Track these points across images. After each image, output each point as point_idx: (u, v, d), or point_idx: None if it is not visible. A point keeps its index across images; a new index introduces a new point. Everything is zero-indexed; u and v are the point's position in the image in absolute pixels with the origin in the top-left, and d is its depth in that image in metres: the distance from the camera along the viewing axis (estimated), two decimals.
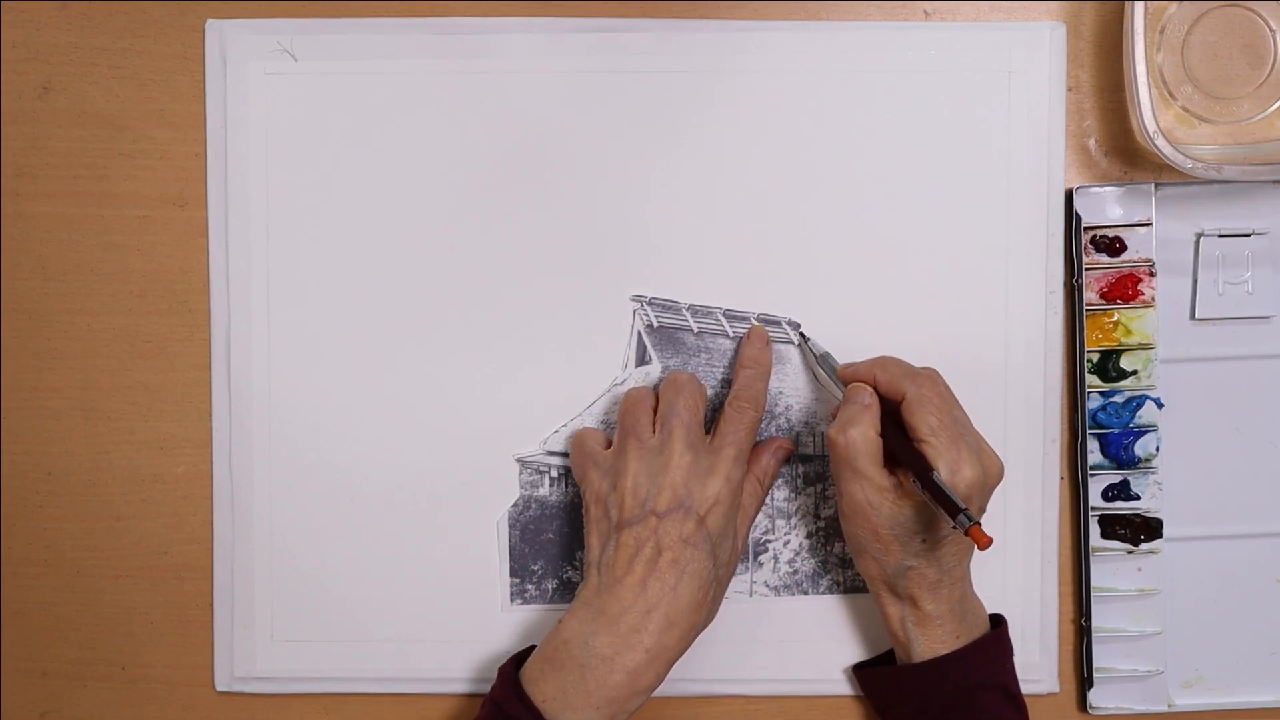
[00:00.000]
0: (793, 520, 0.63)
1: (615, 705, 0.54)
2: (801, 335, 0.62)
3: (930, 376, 0.57)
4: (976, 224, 0.62)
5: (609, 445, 0.59)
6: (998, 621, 0.59)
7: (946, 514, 0.53)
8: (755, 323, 0.62)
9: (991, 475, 0.56)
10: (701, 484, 0.56)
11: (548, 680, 0.55)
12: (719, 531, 0.56)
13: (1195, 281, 0.62)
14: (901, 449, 0.55)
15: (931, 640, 0.57)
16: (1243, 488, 0.63)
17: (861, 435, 0.55)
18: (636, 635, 0.54)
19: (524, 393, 0.62)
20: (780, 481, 0.63)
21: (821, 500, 0.63)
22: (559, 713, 0.54)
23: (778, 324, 0.62)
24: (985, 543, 0.51)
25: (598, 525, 0.57)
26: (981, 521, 0.53)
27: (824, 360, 0.61)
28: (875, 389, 0.57)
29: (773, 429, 0.62)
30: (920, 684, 0.57)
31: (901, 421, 0.56)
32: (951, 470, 0.54)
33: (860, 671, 0.61)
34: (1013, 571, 0.62)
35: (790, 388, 0.62)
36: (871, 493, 0.55)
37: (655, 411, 0.58)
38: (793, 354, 0.62)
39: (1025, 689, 0.62)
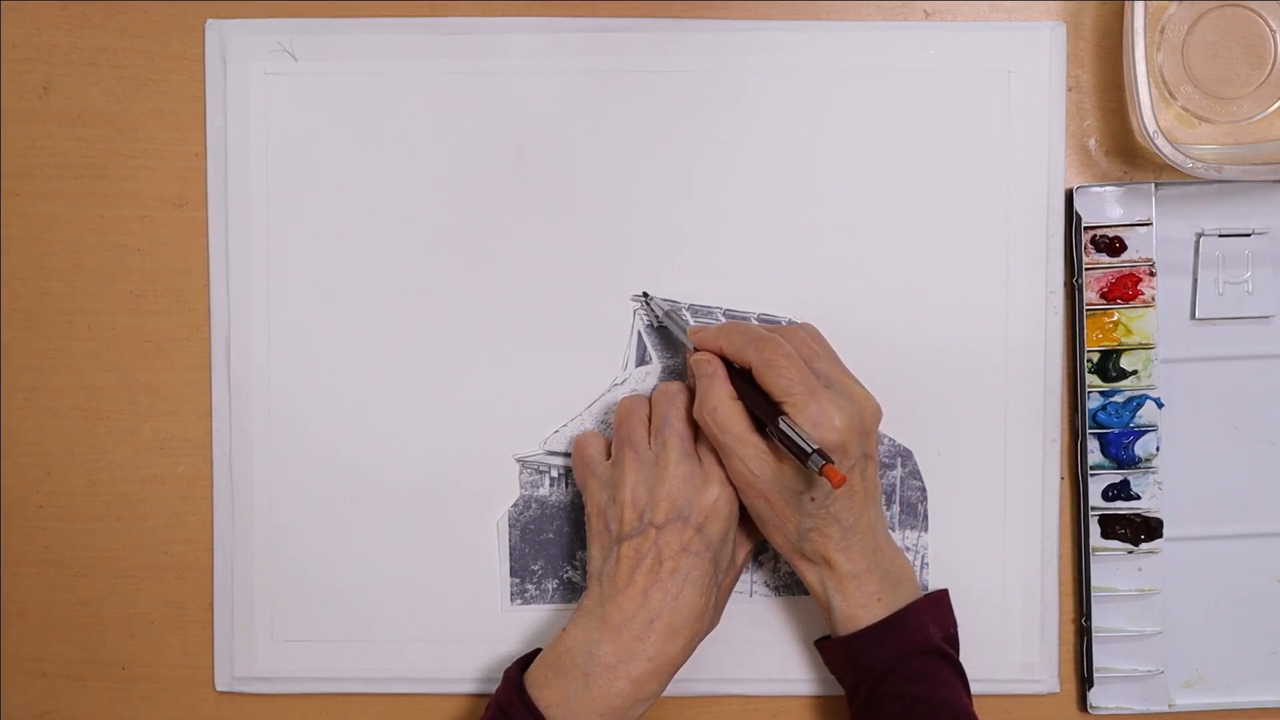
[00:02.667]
0: None
1: (619, 713, 0.54)
2: (645, 295, 0.61)
3: (771, 339, 0.55)
4: (976, 224, 0.62)
5: (609, 452, 0.59)
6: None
7: (799, 460, 0.52)
8: (694, 325, 0.62)
9: (868, 416, 0.55)
10: (699, 493, 0.56)
11: (552, 687, 0.55)
12: (719, 538, 0.56)
13: (1195, 281, 0.62)
14: (754, 407, 0.55)
15: (851, 604, 0.56)
16: (1243, 488, 0.63)
17: (720, 405, 0.55)
18: (640, 644, 0.55)
19: (524, 393, 0.62)
20: None
21: None
22: (563, 719, 0.54)
23: (778, 324, 0.62)
24: (839, 481, 0.50)
25: (599, 537, 0.57)
26: (869, 468, 0.53)
27: (671, 318, 0.60)
28: (724, 358, 0.57)
29: None
30: (853, 654, 0.56)
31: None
32: (815, 422, 0.52)
33: (817, 645, 0.61)
34: (1013, 571, 0.62)
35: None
36: (751, 459, 0.54)
37: (650, 420, 0.58)
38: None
39: (1025, 689, 0.62)
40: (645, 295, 0.62)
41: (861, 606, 0.56)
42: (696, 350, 0.58)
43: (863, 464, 0.55)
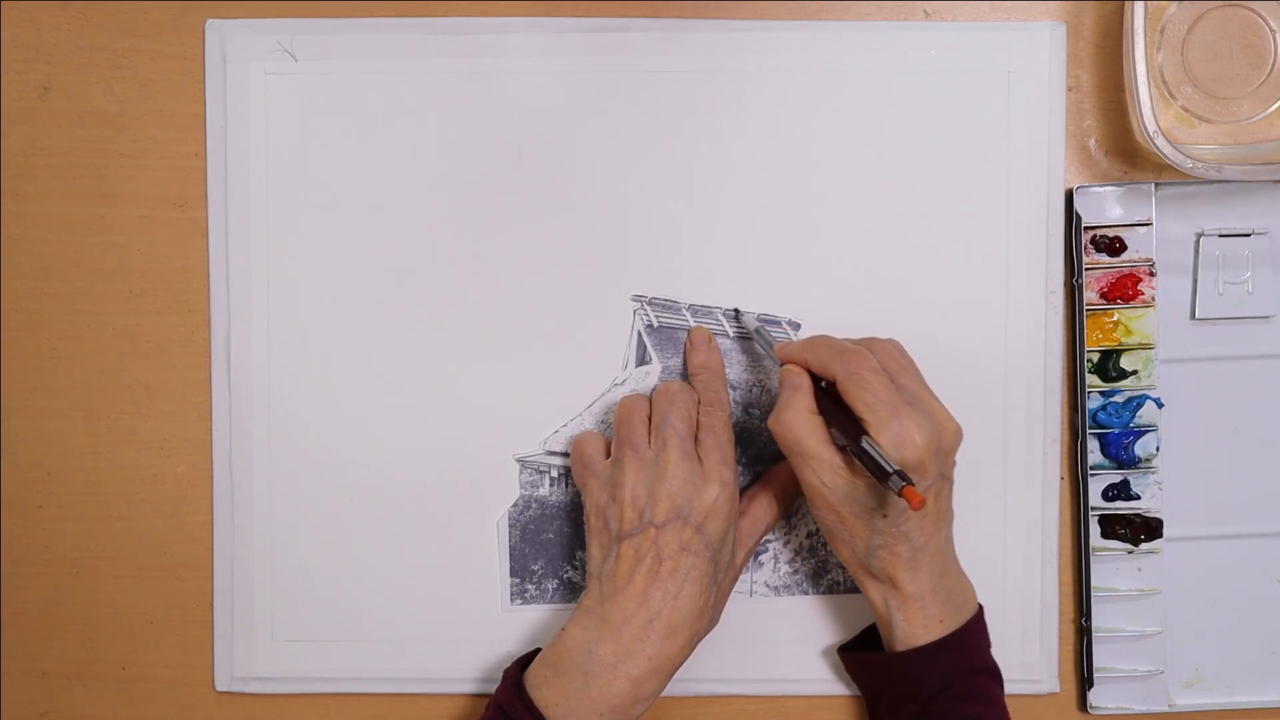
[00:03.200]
0: (793, 520, 0.63)
1: (618, 713, 0.54)
2: (735, 312, 0.62)
3: (859, 353, 0.55)
4: (976, 224, 0.62)
5: (609, 451, 0.59)
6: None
7: (879, 480, 0.52)
8: (695, 325, 0.62)
9: (947, 437, 0.54)
10: (699, 492, 0.56)
11: (551, 686, 0.55)
12: (719, 537, 0.56)
13: (1195, 281, 0.62)
14: (834, 423, 0.55)
15: (913, 625, 0.56)
16: (1243, 488, 0.63)
17: (797, 417, 0.55)
18: (639, 644, 0.55)
19: (524, 393, 0.62)
20: None
21: None
22: (562, 719, 0.54)
23: (778, 324, 0.62)
24: (918, 503, 0.50)
25: (599, 536, 0.57)
26: (943, 489, 0.53)
27: (760, 334, 0.60)
28: (809, 371, 0.57)
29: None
30: (908, 671, 0.56)
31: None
32: (896, 441, 0.52)
33: (846, 655, 0.61)
34: (1013, 571, 0.62)
35: (776, 382, 0.62)
36: (825, 473, 0.55)
37: (650, 419, 0.58)
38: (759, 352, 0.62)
39: (1025, 689, 0.62)
40: (736, 311, 0.62)
41: (923, 628, 0.56)
42: (784, 364, 0.57)
43: (939, 485, 0.55)
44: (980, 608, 0.58)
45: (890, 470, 0.51)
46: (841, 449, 0.55)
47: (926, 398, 0.55)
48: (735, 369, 0.62)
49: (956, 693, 0.56)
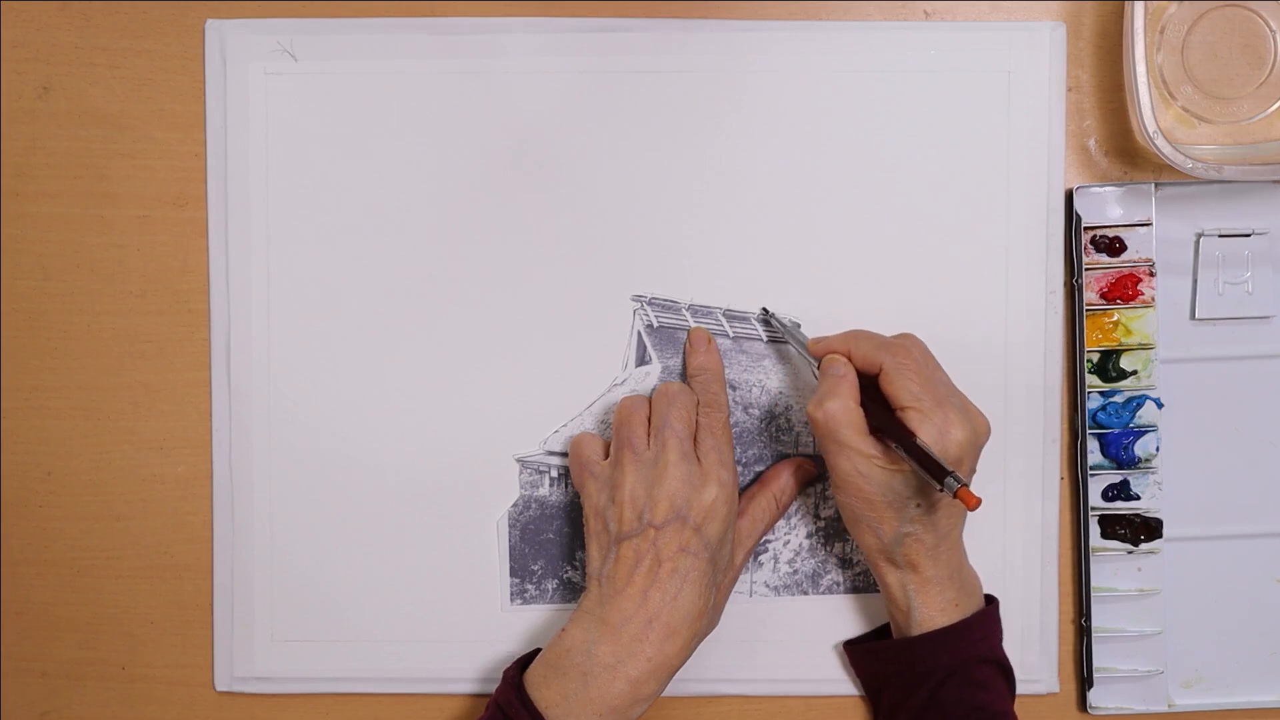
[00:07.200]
0: (793, 520, 0.63)
1: (617, 714, 0.54)
2: (765, 311, 0.62)
3: (903, 345, 0.56)
4: (976, 224, 0.62)
5: (607, 452, 0.59)
6: (989, 600, 0.60)
7: (933, 478, 0.52)
8: (694, 325, 0.62)
9: (981, 434, 0.56)
10: (697, 493, 0.56)
11: (551, 686, 0.55)
12: (717, 538, 0.56)
13: (1195, 281, 0.62)
14: (883, 418, 0.55)
15: (931, 607, 0.57)
16: (1243, 488, 0.63)
17: (841, 406, 0.55)
18: (639, 645, 0.55)
19: (524, 393, 0.62)
20: None
21: (821, 500, 0.63)
22: (562, 719, 0.54)
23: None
24: (974, 503, 0.50)
25: (598, 538, 0.57)
26: (971, 483, 0.53)
27: (793, 332, 0.61)
28: (850, 361, 0.57)
29: (772, 428, 0.62)
30: (918, 657, 0.57)
31: (881, 391, 0.56)
32: (940, 433, 0.53)
33: (853, 647, 0.61)
34: (1013, 572, 0.62)
35: (790, 387, 0.62)
36: (860, 462, 0.55)
37: (650, 420, 0.58)
38: (790, 353, 0.62)
39: (1025, 689, 0.62)
40: (764, 310, 0.62)
41: (940, 610, 0.57)
42: (825, 354, 0.58)
43: (969, 479, 0.56)
44: (996, 602, 0.59)
45: (948, 470, 0.52)
46: (878, 439, 0.55)
47: (959, 394, 0.56)
48: (734, 370, 0.62)
49: (964, 679, 0.56)
